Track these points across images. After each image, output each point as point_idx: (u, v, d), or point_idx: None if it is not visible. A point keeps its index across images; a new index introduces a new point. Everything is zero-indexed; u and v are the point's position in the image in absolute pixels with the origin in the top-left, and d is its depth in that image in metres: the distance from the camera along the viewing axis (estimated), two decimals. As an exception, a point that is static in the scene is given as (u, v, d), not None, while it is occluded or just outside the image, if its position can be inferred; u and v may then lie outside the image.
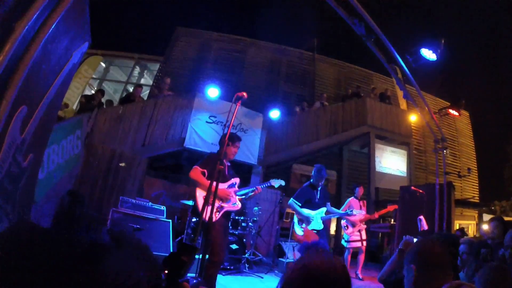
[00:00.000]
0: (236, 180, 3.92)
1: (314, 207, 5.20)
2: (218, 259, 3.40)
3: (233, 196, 3.74)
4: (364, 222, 6.77)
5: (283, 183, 4.33)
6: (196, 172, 3.60)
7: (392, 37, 4.56)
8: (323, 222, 5.28)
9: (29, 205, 3.30)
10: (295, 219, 5.30)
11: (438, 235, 4.15)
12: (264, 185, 4.15)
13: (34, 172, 3.09)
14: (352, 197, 6.90)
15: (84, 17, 2.85)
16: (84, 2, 2.73)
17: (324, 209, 5.28)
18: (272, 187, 4.27)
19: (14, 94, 1.83)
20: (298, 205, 5.18)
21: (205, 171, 3.62)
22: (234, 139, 3.83)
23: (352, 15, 4.17)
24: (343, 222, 6.71)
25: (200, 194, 3.55)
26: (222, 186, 3.68)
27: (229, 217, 3.87)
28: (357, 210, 6.51)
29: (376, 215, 7.08)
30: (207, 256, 3.16)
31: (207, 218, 3.15)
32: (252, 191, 3.91)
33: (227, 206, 3.65)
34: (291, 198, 5.24)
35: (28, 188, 2.93)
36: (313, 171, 5.36)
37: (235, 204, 3.76)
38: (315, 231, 5.09)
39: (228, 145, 3.75)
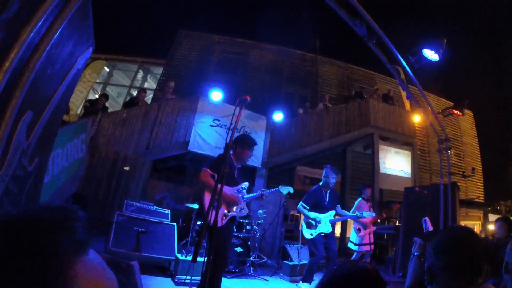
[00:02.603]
0: (245, 185, 3.84)
1: (323, 210, 5.18)
2: (223, 262, 3.38)
3: (241, 201, 3.68)
4: (373, 224, 6.68)
5: (291, 190, 4.30)
6: (206, 175, 3.51)
7: (394, 38, 4.55)
8: (332, 225, 5.27)
9: (35, 208, 3.31)
10: (303, 223, 5.28)
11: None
12: (271, 191, 4.13)
13: (39, 176, 3.12)
14: (361, 199, 6.81)
15: (87, 22, 2.88)
16: (88, 8, 2.76)
17: (333, 212, 5.26)
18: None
19: (20, 100, 1.85)
20: (306, 209, 5.17)
21: (215, 174, 3.53)
22: (251, 143, 3.80)
23: (353, 16, 4.17)
24: (355, 224, 6.60)
25: (208, 197, 3.49)
26: (231, 190, 3.63)
27: (235, 221, 3.84)
28: (367, 212, 6.36)
29: (384, 215, 6.99)
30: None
31: (212, 222, 3.15)
32: (260, 196, 3.86)
33: (234, 212, 3.61)
34: (300, 202, 5.23)
35: (34, 191, 2.96)
36: (323, 173, 5.35)
37: (243, 209, 3.70)
38: (323, 234, 5.07)
39: (244, 148, 3.73)
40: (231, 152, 3.73)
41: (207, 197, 3.51)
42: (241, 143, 3.78)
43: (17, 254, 0.45)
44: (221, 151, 3.15)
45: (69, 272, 0.47)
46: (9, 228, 0.48)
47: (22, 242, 0.46)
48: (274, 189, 4.19)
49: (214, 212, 3.29)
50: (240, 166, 3.90)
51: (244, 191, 3.81)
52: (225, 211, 3.51)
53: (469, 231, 1.35)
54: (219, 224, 3.35)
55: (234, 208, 3.60)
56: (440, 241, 1.34)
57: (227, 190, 3.51)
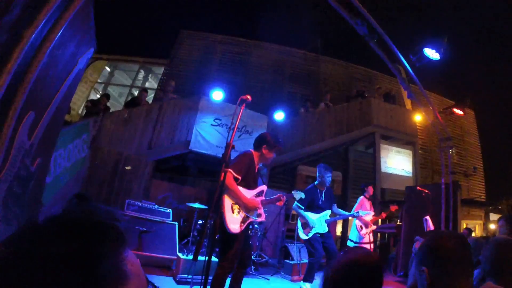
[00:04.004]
0: (264, 188, 3.66)
1: (318, 210, 5.16)
2: (229, 266, 3.22)
3: (260, 207, 3.49)
4: (373, 223, 6.69)
5: (303, 195, 4.29)
6: (229, 177, 3.14)
7: (395, 37, 4.55)
8: (328, 225, 5.25)
9: (37, 208, 3.34)
10: (299, 223, 5.26)
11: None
12: (288, 195, 4.10)
13: (42, 176, 3.14)
14: (363, 196, 6.80)
15: (89, 23, 2.89)
16: (90, 8, 2.77)
17: (328, 212, 5.24)
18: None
19: (22, 101, 1.87)
20: (302, 209, 5.15)
21: (239, 177, 3.28)
22: (274, 144, 3.58)
23: (354, 15, 4.18)
24: (357, 222, 6.59)
25: (228, 202, 3.25)
26: (250, 194, 3.45)
27: (249, 226, 3.63)
28: (364, 211, 6.31)
29: (384, 215, 7.02)
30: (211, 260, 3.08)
31: (232, 230, 3.11)
32: (277, 200, 3.69)
33: (252, 217, 3.45)
34: (295, 201, 5.20)
35: (36, 191, 2.98)
36: (317, 173, 5.34)
37: (261, 214, 3.54)
38: (319, 235, 5.05)
39: (272, 150, 3.57)
40: (258, 153, 3.59)
41: (227, 201, 3.24)
42: (270, 144, 3.57)
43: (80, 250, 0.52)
44: (222, 151, 2.91)
45: (120, 256, 0.55)
46: (75, 228, 0.55)
47: (83, 239, 0.53)
48: (290, 193, 4.20)
49: (234, 219, 3.22)
50: (260, 165, 3.74)
51: (263, 195, 3.64)
52: (244, 217, 3.35)
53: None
54: (238, 230, 3.22)
55: (253, 213, 3.44)
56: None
57: (246, 194, 3.36)
